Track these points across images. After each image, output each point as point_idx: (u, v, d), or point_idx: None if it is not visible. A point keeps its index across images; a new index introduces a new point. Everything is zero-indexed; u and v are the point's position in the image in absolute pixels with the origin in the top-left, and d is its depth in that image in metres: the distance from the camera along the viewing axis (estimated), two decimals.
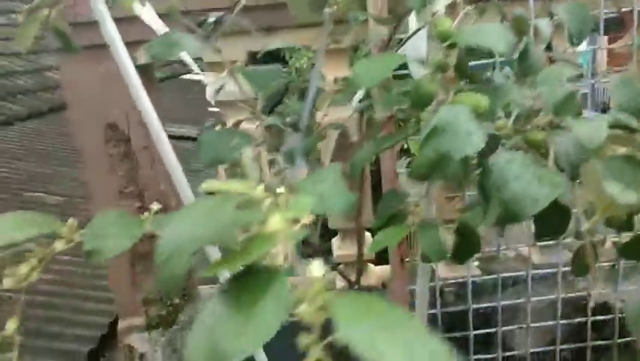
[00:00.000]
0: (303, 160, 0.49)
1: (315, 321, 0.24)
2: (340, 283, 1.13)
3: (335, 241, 1.16)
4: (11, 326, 0.38)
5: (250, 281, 0.25)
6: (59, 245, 0.40)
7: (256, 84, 0.52)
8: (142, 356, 1.09)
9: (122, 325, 1.10)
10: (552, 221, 0.66)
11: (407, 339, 0.21)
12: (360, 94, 0.58)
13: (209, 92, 0.95)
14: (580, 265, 0.75)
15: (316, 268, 0.24)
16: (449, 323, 1.05)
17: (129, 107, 1.00)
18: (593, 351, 1.08)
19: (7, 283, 0.38)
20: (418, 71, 0.57)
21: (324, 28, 0.58)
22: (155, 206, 0.44)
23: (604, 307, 1.08)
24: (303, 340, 0.23)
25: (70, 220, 0.42)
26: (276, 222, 0.25)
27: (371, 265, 1.16)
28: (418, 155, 0.50)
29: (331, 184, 0.29)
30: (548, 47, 0.59)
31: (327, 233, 1.45)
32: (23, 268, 0.38)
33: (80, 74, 0.99)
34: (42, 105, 4.03)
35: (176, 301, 1.11)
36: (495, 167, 0.42)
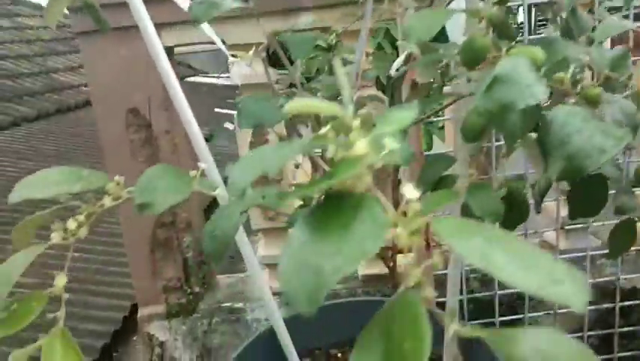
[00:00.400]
0: None
1: (412, 244, 0.23)
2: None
3: None
4: (60, 282, 0.36)
5: (338, 205, 0.23)
6: (107, 201, 0.39)
7: (296, 50, 0.50)
8: (162, 344, 1.08)
9: (142, 313, 1.08)
10: (589, 199, 0.65)
11: (519, 253, 0.20)
12: (398, 62, 0.57)
13: (234, 73, 0.94)
14: (616, 245, 0.73)
15: (410, 190, 0.23)
16: (475, 310, 1.03)
17: (151, 92, 0.99)
18: (621, 337, 1.06)
19: (55, 237, 0.37)
20: (457, 35, 0.56)
21: (368, 3, 0.57)
22: (202, 165, 0.42)
23: (632, 293, 1.06)
24: (402, 262, 0.22)
25: (117, 177, 0.41)
26: (363, 145, 0.24)
27: None
28: (468, 115, 0.48)
29: (399, 130, 0.27)
30: (590, 11, 0.58)
31: None
32: (71, 224, 0.37)
33: (101, 57, 0.98)
34: (50, 107, 4.04)
35: (197, 289, 1.10)
36: (555, 121, 0.41)
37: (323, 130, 0.28)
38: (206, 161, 0.74)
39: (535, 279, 0.19)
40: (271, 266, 1.09)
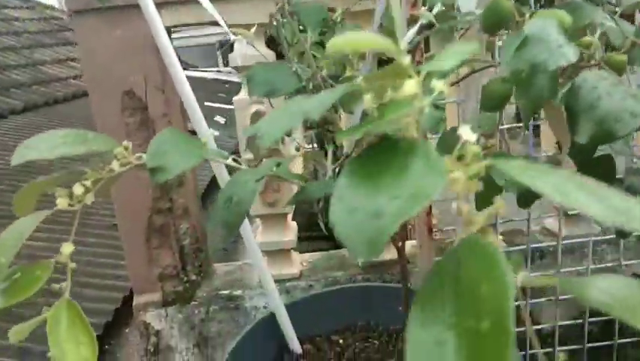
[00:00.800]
0: None
1: (470, 189, 0.21)
2: None
3: None
4: (66, 250, 0.34)
5: (387, 151, 0.22)
6: (116, 166, 0.37)
7: (308, 18, 0.48)
8: (157, 333, 1.05)
9: (137, 301, 1.05)
10: (596, 180, 0.63)
11: (592, 190, 0.18)
12: (412, 33, 0.55)
13: (235, 53, 0.91)
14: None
15: (467, 132, 0.21)
16: None
17: (147, 73, 0.96)
18: (621, 324, 1.06)
19: (61, 203, 0.34)
20: (469, 8, 0.54)
21: None
22: (212, 132, 0.40)
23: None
24: (462, 209, 0.20)
25: (125, 142, 0.38)
26: (413, 85, 0.22)
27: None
28: (490, 83, 0.47)
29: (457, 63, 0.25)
30: None
31: None
32: (77, 189, 0.35)
33: (95, 38, 0.95)
34: (37, 99, 3.98)
35: (193, 277, 1.07)
36: (584, 85, 0.39)
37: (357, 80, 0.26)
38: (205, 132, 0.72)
39: (612, 213, 0.18)
40: (269, 253, 1.07)
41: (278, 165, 0.40)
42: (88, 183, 0.36)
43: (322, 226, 0.51)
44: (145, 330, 1.05)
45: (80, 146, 0.35)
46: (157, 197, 1.00)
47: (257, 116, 0.97)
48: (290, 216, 1.12)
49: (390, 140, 0.22)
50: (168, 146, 0.36)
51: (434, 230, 0.98)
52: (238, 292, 1.06)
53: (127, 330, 1.74)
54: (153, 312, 1.05)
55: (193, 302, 1.05)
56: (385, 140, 0.22)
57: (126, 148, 0.37)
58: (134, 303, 1.06)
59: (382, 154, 0.21)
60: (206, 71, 6.30)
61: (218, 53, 8.07)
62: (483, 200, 0.54)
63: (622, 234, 0.72)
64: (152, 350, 1.05)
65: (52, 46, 5.17)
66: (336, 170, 0.45)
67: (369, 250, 0.18)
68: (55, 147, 0.34)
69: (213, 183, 2.72)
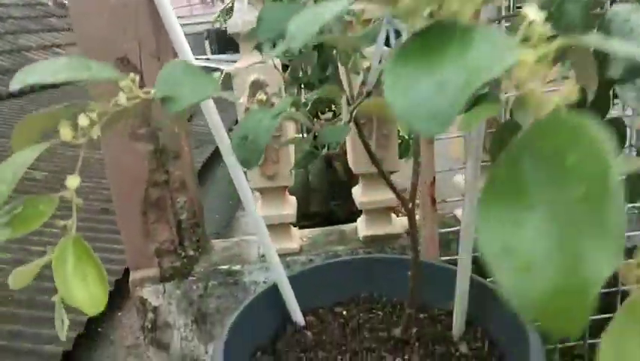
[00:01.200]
0: None
1: (537, 74, 0.19)
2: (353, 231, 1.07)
3: (357, 189, 1.11)
4: (72, 183, 0.32)
5: (444, 30, 0.19)
6: (122, 99, 0.34)
7: None
8: (155, 309, 1.03)
9: (133, 277, 1.03)
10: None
11: None
12: None
13: (234, 19, 0.88)
14: (636, 187, 0.71)
15: (534, 11, 0.19)
16: (475, 274, 1.01)
17: (142, 40, 0.93)
18: (623, 296, 1.05)
19: (65, 135, 0.32)
20: None
21: None
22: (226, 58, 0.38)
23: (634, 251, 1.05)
24: (533, 92, 0.18)
25: (132, 74, 0.36)
26: None
27: (393, 215, 1.11)
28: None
29: None
30: None
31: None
32: (83, 121, 0.32)
33: (87, 3, 0.91)
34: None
35: (191, 252, 1.05)
36: (616, 18, 0.37)
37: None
38: (213, 119, 0.70)
39: None
40: (269, 227, 1.04)
41: (293, 103, 0.38)
42: (93, 115, 0.33)
43: (339, 170, 0.48)
44: (142, 306, 1.03)
45: (83, 72, 0.32)
46: (153, 168, 0.97)
47: (256, 85, 0.94)
48: (287, 191, 1.10)
49: (445, 22, 0.20)
50: (180, 75, 0.34)
51: (437, 201, 0.97)
52: (237, 268, 1.03)
53: (120, 313, 1.71)
54: (150, 288, 1.02)
55: (191, 278, 1.03)
56: (439, 23, 0.20)
57: (133, 81, 0.35)
58: (130, 279, 1.03)
59: (437, 34, 0.19)
60: (195, 59, 6.24)
61: (206, 41, 8.00)
62: (499, 145, 0.52)
63: (633, 196, 0.71)
64: (149, 326, 1.03)
65: (38, 32, 5.09)
66: (353, 113, 0.43)
67: (435, 123, 0.16)
68: (58, 71, 0.32)
69: (207, 165, 2.69)
